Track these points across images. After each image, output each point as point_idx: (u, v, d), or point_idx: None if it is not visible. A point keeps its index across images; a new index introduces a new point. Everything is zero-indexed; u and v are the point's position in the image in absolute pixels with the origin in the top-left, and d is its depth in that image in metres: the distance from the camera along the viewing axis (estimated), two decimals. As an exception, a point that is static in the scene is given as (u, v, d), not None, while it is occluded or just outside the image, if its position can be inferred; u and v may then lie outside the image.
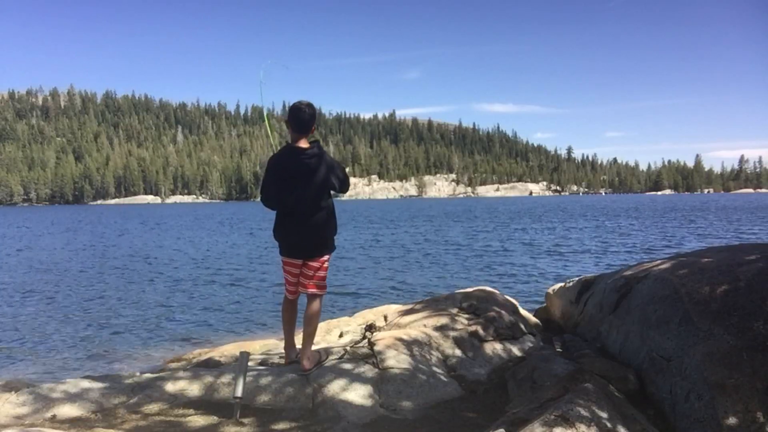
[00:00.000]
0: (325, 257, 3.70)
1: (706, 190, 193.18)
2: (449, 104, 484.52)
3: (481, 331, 4.49)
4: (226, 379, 3.61)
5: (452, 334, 4.45)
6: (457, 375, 4.01)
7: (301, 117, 3.53)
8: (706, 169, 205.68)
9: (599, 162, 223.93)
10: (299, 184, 3.52)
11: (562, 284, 6.00)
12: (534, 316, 5.92)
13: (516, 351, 4.45)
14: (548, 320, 5.90)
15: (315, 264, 3.67)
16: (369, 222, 41.71)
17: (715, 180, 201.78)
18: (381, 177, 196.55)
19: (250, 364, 3.58)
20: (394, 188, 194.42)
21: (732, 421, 2.66)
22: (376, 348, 4.07)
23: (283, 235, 3.65)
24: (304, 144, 3.55)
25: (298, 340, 4.02)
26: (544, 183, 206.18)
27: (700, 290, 3.39)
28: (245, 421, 3.14)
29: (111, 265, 17.34)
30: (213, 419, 3.17)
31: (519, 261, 16.72)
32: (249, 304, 10.59)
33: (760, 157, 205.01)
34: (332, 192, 3.69)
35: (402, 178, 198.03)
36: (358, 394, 3.44)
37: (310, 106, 3.58)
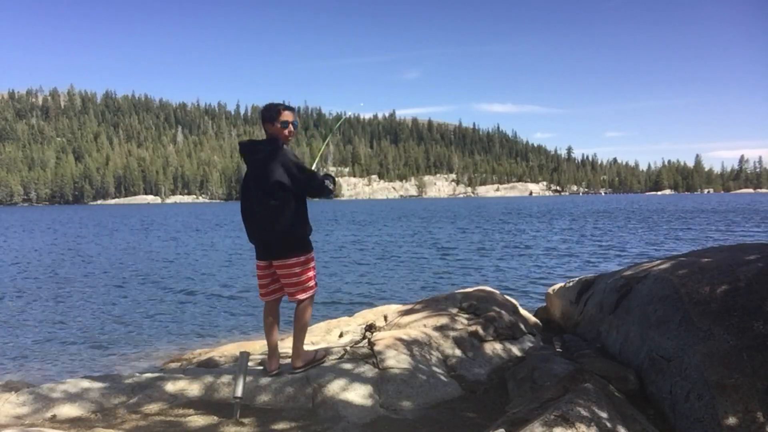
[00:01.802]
0: (293, 260, 3.50)
1: (706, 190, 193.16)
2: (449, 104, 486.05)
3: (481, 331, 4.49)
4: (226, 379, 3.60)
5: (452, 334, 4.45)
6: (457, 375, 4.01)
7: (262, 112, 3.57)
8: (706, 169, 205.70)
9: (599, 162, 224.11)
10: (251, 181, 3.48)
11: (562, 284, 6.00)
12: (534, 316, 5.92)
13: (516, 351, 4.45)
14: (548, 320, 5.90)
15: (282, 266, 3.51)
16: (369, 222, 41.71)
17: (715, 180, 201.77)
18: (381, 177, 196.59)
19: (250, 364, 3.58)
20: (394, 188, 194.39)
21: (732, 421, 2.66)
22: (376, 348, 4.07)
23: (247, 234, 3.61)
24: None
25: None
26: (544, 183, 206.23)
27: (700, 290, 3.39)
28: (245, 421, 3.14)
29: (111, 265, 17.34)
30: (213, 419, 3.17)
31: (519, 261, 16.72)
32: (249, 304, 10.59)
33: (760, 157, 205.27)
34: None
35: (402, 178, 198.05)
36: (358, 394, 3.44)
37: (270, 103, 3.59)
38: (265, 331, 3.74)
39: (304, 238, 3.56)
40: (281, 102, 3.66)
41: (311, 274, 3.61)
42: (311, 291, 3.63)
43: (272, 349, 3.70)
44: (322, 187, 3.52)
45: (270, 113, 3.51)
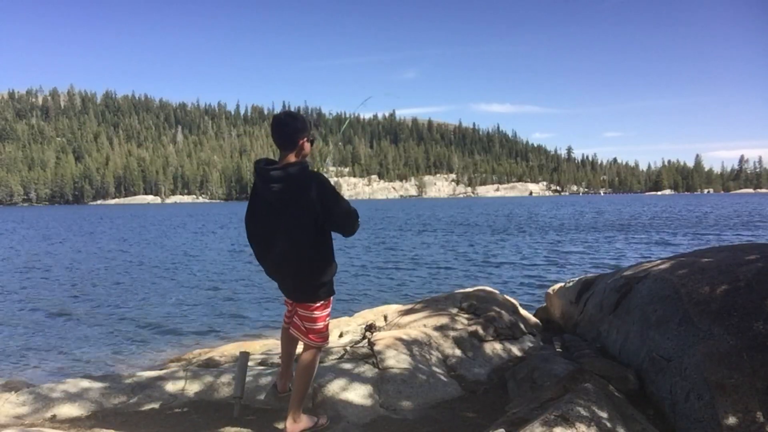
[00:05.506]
0: (317, 304, 2.93)
1: (705, 191, 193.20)
2: (447, 104, 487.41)
3: (481, 331, 4.49)
4: (226, 379, 3.61)
5: (452, 334, 4.45)
6: (457, 375, 4.01)
7: (276, 131, 2.83)
8: (706, 169, 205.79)
9: (599, 162, 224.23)
10: (264, 212, 2.83)
11: (562, 284, 6.00)
12: (534, 316, 5.92)
13: (516, 351, 4.45)
14: (548, 320, 5.90)
15: (303, 307, 2.96)
16: (370, 223, 41.70)
17: (715, 180, 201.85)
18: (381, 177, 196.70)
19: (250, 364, 3.58)
20: (394, 188, 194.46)
21: (732, 421, 2.66)
22: (376, 348, 4.07)
23: (264, 271, 3.03)
24: (285, 162, 2.80)
25: None
26: (544, 183, 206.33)
27: (700, 290, 3.39)
28: (245, 420, 3.14)
29: (112, 266, 17.33)
30: (213, 419, 3.17)
31: (519, 261, 16.71)
32: (249, 305, 10.59)
33: (760, 157, 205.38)
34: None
35: (402, 178, 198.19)
36: (358, 394, 3.44)
37: (290, 116, 2.88)
38: (282, 352, 3.34)
39: (331, 282, 3.00)
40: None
41: (327, 321, 3.06)
42: (324, 337, 3.04)
43: (285, 365, 3.32)
44: (356, 223, 2.93)
45: (304, 130, 2.83)
